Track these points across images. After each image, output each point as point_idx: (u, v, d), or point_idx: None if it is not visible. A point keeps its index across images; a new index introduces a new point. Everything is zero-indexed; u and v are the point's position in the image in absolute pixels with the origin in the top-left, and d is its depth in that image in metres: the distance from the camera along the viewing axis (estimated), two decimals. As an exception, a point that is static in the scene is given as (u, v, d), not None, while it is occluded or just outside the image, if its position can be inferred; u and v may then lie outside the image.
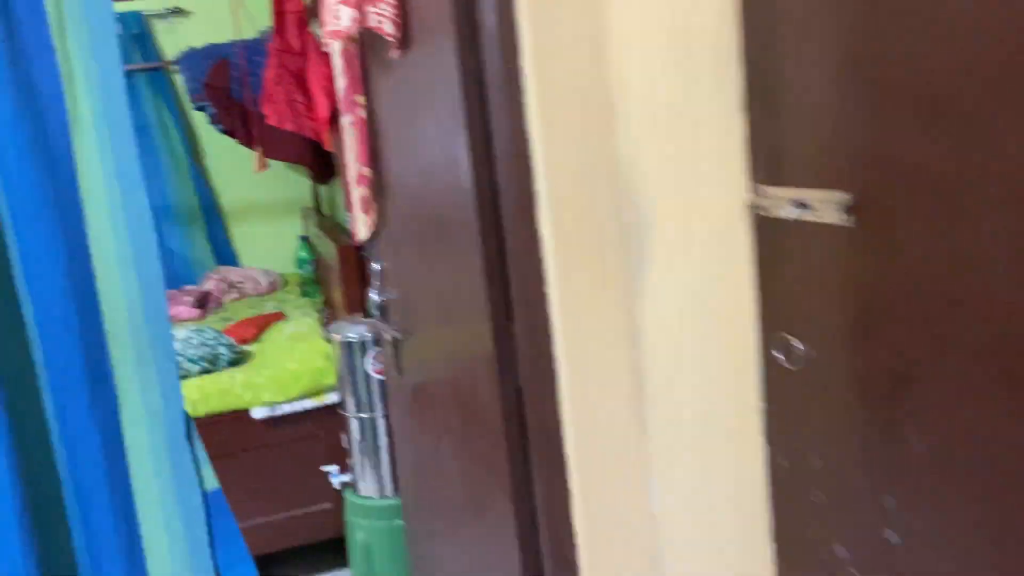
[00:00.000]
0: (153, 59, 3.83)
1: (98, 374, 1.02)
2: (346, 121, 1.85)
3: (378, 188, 1.82)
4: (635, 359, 0.97)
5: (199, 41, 3.72)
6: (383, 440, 2.18)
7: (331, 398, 2.48)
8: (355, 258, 2.49)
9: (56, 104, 0.97)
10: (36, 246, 0.97)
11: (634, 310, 0.96)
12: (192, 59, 3.64)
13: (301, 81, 2.38)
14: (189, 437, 1.09)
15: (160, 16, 3.86)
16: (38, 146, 0.95)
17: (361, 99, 1.79)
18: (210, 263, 4.02)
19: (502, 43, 1.13)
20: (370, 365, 2.15)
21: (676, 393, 0.96)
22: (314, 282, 3.62)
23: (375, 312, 1.93)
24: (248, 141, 3.32)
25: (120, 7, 3.75)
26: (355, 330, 2.16)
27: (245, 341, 2.93)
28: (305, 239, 3.72)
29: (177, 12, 3.86)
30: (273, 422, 2.46)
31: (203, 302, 3.63)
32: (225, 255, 4.08)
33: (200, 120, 3.94)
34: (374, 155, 1.80)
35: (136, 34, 3.78)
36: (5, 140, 0.94)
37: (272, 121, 2.43)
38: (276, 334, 2.94)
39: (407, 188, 1.65)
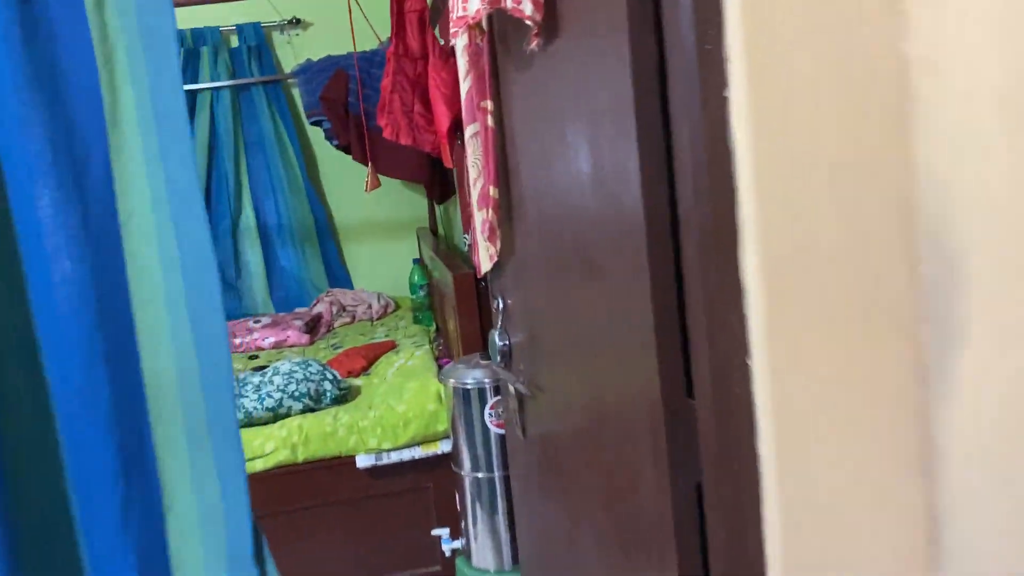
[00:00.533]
0: (270, 72, 3.71)
1: (134, 465, 0.75)
2: (470, 132, 1.56)
3: (505, 211, 1.52)
4: (925, 491, 0.61)
5: (318, 53, 3.57)
6: (502, 504, 1.86)
7: (444, 447, 2.20)
8: (473, 288, 2.21)
9: (88, 95, 0.70)
10: (53, 290, 0.71)
11: (928, 417, 0.61)
12: (309, 72, 3.49)
13: (420, 88, 2.12)
14: (258, 554, 0.80)
15: (279, 27, 3.74)
16: (60, 153, 0.69)
17: (489, 105, 1.49)
18: (322, 284, 3.86)
19: (697, 15, 0.80)
20: (489, 417, 1.85)
21: (992, 552, 0.60)
22: (427, 308, 3.37)
23: (496, 357, 1.62)
24: (363, 158, 3.12)
25: (238, 18, 3.65)
26: (472, 376, 1.86)
27: (353, 373, 2.69)
28: (419, 262, 3.49)
29: (296, 23, 3.73)
30: (378, 471, 2.20)
31: (313, 326, 3.45)
32: (338, 276, 3.91)
33: (316, 135, 3.79)
34: (503, 172, 1.50)
35: (253, 46, 3.67)
36: (11, 146, 0.68)
37: (388, 134, 2.19)
38: (385, 367, 2.69)
39: (543, 212, 1.34)
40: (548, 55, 1.18)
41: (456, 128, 2.07)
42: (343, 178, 3.82)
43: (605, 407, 1.18)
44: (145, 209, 0.73)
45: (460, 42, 1.53)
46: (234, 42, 3.72)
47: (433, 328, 3.25)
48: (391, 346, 2.94)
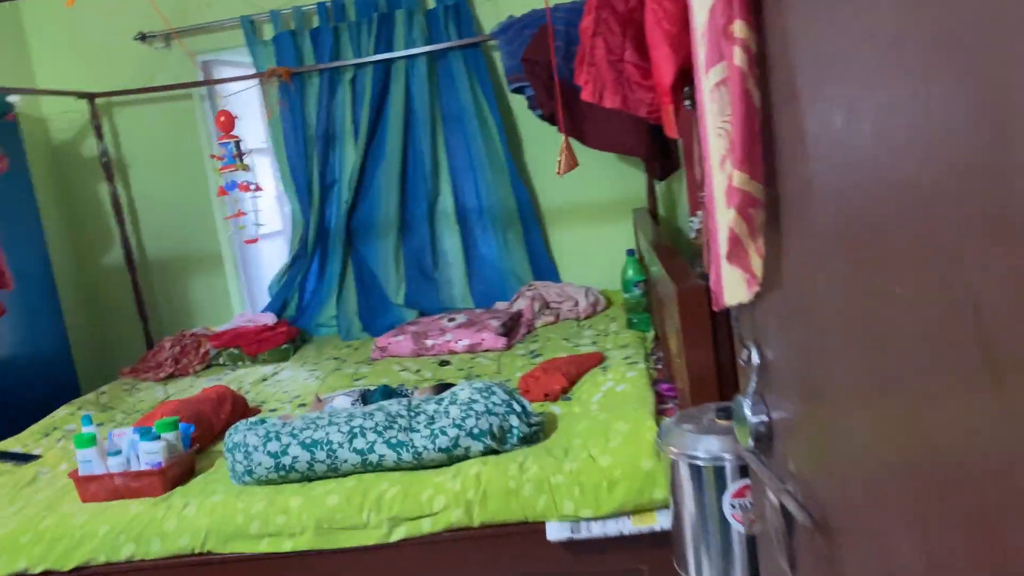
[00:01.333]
0: (469, 34, 3.26)
1: None
2: (712, 79, 0.96)
3: (770, 211, 0.90)
4: None
5: (523, 8, 3.08)
6: (747, 637, 1.26)
7: (663, 521, 1.62)
8: (706, 306, 1.60)
9: None
10: None
11: None
12: (511, 30, 3.00)
13: (633, 29, 1.53)
14: None
15: (478, -18, 3.29)
16: None
17: (743, 31, 0.88)
18: (526, 275, 3.39)
19: None
20: (728, 506, 1.25)
21: None
22: (644, 309, 2.78)
23: (748, 441, 1.02)
24: (571, 129, 2.58)
25: (432, -26, 3.23)
26: (705, 445, 1.26)
27: (550, 397, 2.19)
28: (633, 254, 2.90)
29: (497, -26, 3.25)
30: (576, 547, 1.67)
31: (512, 326, 3.00)
32: (543, 266, 3.42)
33: (519, 105, 3.31)
34: (765, 145, 0.89)
35: (451, 6, 3.24)
36: None
37: (588, 95, 1.63)
38: (590, 389, 2.15)
39: (864, 212, 0.71)
40: None
41: (684, 81, 1.46)
42: (549, 154, 3.31)
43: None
44: None
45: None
46: (431, 3, 3.32)
47: (651, 335, 2.66)
48: (598, 360, 2.39)
